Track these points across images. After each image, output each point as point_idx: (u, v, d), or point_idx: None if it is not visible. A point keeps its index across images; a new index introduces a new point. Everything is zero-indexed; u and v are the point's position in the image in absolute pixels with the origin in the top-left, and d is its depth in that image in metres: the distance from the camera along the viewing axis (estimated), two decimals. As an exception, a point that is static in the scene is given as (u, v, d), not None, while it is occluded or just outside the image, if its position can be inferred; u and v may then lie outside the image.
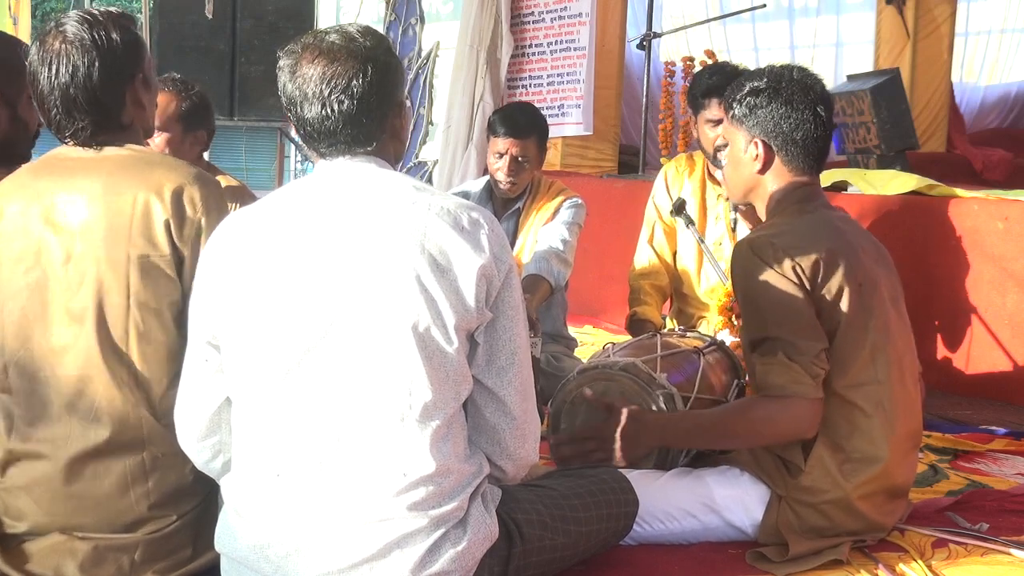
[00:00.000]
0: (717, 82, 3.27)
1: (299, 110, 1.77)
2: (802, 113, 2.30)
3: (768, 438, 2.23)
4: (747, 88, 2.36)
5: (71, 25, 1.95)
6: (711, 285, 3.48)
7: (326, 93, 1.74)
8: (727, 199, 3.39)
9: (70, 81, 1.94)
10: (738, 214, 3.25)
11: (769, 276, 2.20)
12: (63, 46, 1.94)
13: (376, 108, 1.77)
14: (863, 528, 2.25)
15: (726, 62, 3.72)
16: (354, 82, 1.74)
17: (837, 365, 2.21)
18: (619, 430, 2.34)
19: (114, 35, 1.97)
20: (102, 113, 1.98)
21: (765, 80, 2.34)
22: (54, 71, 1.94)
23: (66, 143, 2.01)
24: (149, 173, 1.95)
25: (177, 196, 1.93)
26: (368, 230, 1.71)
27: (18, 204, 1.95)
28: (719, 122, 3.28)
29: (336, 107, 1.74)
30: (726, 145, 3.23)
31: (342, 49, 1.75)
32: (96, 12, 1.99)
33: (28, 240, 1.93)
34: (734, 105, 2.38)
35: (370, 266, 1.69)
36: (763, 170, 2.36)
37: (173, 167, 1.99)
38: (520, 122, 3.45)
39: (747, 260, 2.24)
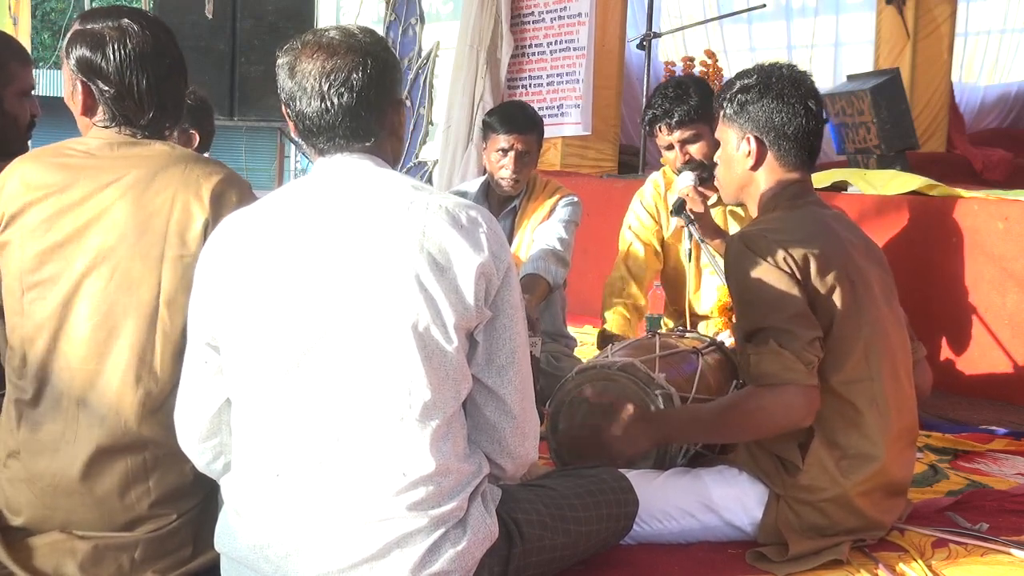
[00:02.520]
0: (659, 111, 3.27)
1: (298, 105, 1.77)
2: (794, 107, 2.31)
3: (764, 428, 2.21)
4: (737, 86, 2.36)
5: (129, 20, 1.95)
6: (712, 301, 3.45)
7: (325, 87, 1.74)
8: (717, 205, 3.37)
9: (167, 74, 1.97)
10: (692, 228, 3.22)
11: (762, 268, 2.19)
12: (140, 35, 1.94)
13: (375, 102, 1.77)
14: (863, 526, 2.25)
15: (673, 81, 3.44)
16: (353, 75, 1.74)
17: (831, 361, 2.21)
18: (618, 427, 2.34)
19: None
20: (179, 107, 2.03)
21: (755, 77, 2.35)
22: (149, 66, 1.94)
23: (124, 133, 1.97)
24: (189, 172, 1.95)
25: (217, 197, 1.93)
26: (367, 230, 1.71)
27: (51, 191, 1.91)
28: (670, 147, 3.30)
29: (335, 100, 1.74)
30: (688, 160, 3.28)
31: (341, 44, 1.76)
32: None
33: (59, 230, 1.90)
34: (725, 104, 2.38)
35: (369, 265, 1.69)
36: (756, 166, 2.36)
37: (214, 167, 1.99)
38: (521, 118, 3.52)
39: (740, 253, 2.24)
